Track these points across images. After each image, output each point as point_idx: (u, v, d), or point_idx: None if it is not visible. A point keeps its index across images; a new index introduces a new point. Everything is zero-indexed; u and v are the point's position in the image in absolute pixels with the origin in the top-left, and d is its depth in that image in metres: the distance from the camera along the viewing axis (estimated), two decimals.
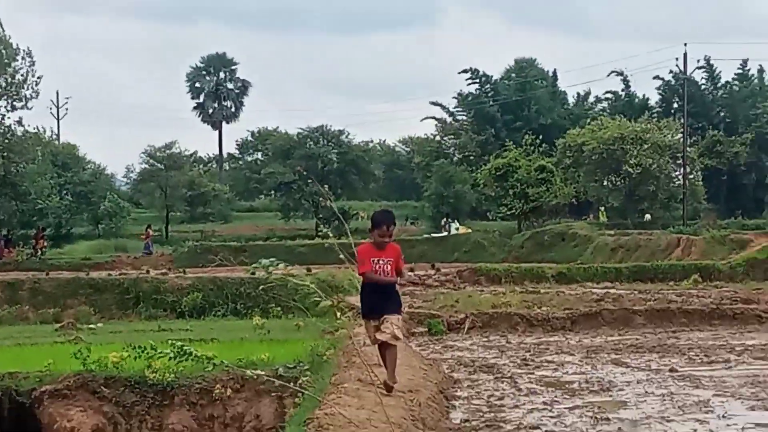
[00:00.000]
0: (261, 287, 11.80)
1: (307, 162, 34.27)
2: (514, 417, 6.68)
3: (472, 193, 35.34)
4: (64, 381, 7.99)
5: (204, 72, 52.41)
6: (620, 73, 43.42)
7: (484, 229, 32.52)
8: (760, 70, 41.58)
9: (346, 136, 39.16)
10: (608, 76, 44.26)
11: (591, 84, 52.82)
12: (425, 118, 44.94)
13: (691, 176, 33.04)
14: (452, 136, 42.57)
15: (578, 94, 47.25)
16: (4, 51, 25.96)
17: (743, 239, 22.67)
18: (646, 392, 7.59)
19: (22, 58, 27.25)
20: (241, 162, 45.67)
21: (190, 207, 36.89)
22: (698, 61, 39.91)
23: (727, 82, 42.48)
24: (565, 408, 7.03)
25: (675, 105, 38.64)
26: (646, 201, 32.93)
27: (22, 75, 27.27)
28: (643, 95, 44.46)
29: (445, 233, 31.35)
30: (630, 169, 31.23)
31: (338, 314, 6.07)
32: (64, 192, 34.34)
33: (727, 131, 37.92)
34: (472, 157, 39.26)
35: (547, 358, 9.92)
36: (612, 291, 16.68)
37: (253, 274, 10.55)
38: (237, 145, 47.27)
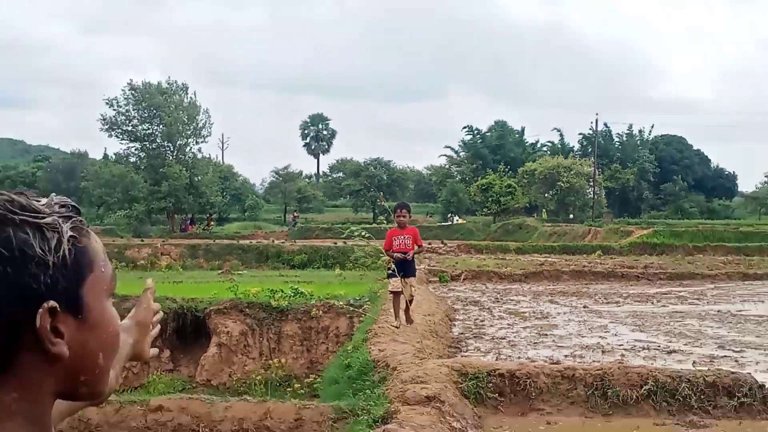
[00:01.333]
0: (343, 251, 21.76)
1: (369, 179, 53.07)
2: (490, 332, 10.30)
3: (467, 200, 52.80)
4: (223, 304, 11.22)
5: (310, 123, 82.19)
6: (558, 129, 66.89)
7: (473, 221, 48.02)
8: (641, 131, 64.96)
9: (392, 164, 59.70)
10: (552, 131, 73.22)
11: (540, 135, 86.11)
12: (441, 155, 67.45)
13: (598, 192, 51.60)
14: (456, 165, 64.28)
15: (533, 142, 70.51)
16: (194, 109, 42.94)
17: (628, 230, 33.23)
18: (569, 320, 11.59)
19: (203, 113, 43.61)
20: (329, 177, 69.04)
21: (299, 203, 56.90)
22: (605, 123, 62.43)
23: (619, 134, 64.93)
24: (520, 327, 10.79)
25: (590, 149, 59.24)
26: (570, 206, 50.20)
27: (202, 123, 43.46)
28: (569, 143, 65.81)
29: (450, 223, 46.74)
30: (562, 185, 48.32)
31: (386, 269, 8.79)
32: (224, 193, 51.83)
33: (621, 165, 57.68)
34: (467, 178, 58.24)
35: (511, 297, 14.83)
36: (549, 259, 23.66)
37: (345, 236, 16.51)
38: (328, 167, 72.12)
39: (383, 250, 8.82)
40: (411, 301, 8.88)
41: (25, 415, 0.82)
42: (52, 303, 0.79)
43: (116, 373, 1.07)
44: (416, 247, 8.72)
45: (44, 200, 0.85)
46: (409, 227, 8.94)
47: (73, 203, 0.87)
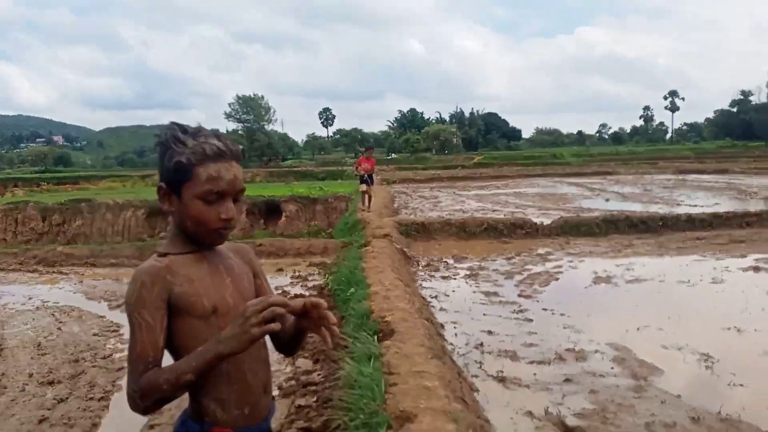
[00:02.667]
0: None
1: (353, 138, 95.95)
2: (411, 205, 19.00)
3: (397, 145, 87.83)
4: (287, 197, 18.24)
5: (323, 111, 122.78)
6: (438, 112, 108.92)
7: (400, 156, 74.55)
8: (477, 110, 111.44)
9: (363, 130, 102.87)
10: (435, 113, 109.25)
11: (431, 115, 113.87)
12: (386, 124, 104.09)
13: (457, 141, 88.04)
14: (392, 130, 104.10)
15: (427, 118, 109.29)
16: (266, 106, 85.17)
17: (471, 157, 66.49)
18: (447, 198, 20.39)
19: (271, 109, 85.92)
20: (335, 138, 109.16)
21: (320, 152, 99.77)
22: (460, 108, 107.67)
23: (466, 112, 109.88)
24: (424, 203, 19.57)
25: (453, 121, 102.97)
26: (445, 147, 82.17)
27: (272, 112, 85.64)
28: (444, 118, 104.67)
29: (390, 156, 74.13)
30: (441, 138, 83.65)
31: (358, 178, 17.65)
32: (284, 146, 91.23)
33: (469, 126, 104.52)
34: (397, 135, 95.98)
35: (420, 192, 22.97)
36: (437, 172, 39.12)
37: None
38: (332, 132, 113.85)
39: (355, 167, 16.57)
40: (371, 198, 15.92)
41: (180, 235, 1.66)
42: (162, 184, 1.62)
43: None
44: (374, 169, 16.31)
45: (192, 133, 1.62)
46: (371, 159, 16.42)
47: (216, 145, 1.61)
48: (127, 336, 6.58)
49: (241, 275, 1.73)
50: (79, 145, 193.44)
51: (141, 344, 1.52)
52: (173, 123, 1.65)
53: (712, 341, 5.87)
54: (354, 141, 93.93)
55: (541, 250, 11.64)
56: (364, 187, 15.79)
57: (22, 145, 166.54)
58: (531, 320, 6.87)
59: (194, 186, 1.58)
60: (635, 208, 16.89)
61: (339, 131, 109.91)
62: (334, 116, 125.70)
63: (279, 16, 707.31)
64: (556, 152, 60.07)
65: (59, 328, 7.74)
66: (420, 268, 10.46)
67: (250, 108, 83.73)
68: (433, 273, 9.93)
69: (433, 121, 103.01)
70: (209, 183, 1.58)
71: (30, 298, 9.71)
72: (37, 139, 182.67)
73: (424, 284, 9.05)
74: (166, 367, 1.53)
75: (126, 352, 1.59)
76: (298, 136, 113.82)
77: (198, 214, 1.60)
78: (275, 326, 1.46)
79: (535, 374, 5.17)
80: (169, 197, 1.63)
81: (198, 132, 1.63)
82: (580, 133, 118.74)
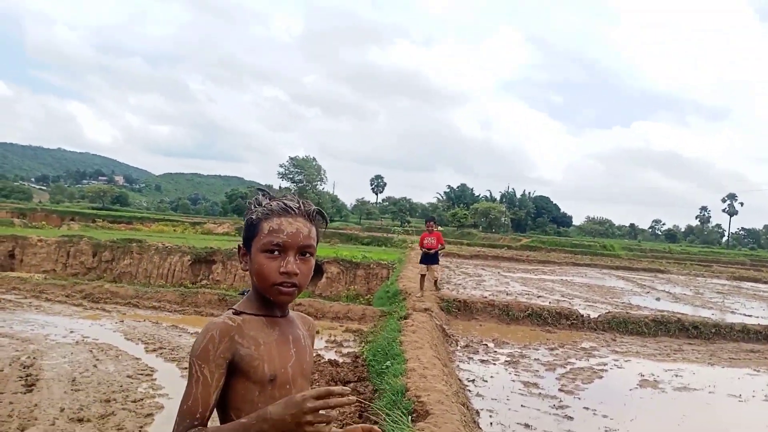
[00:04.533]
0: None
1: (401, 206, 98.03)
2: (453, 281, 18.47)
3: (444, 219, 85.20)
4: (329, 259, 19.65)
5: (374, 178, 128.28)
6: (489, 190, 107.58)
7: (447, 230, 69.04)
8: (528, 192, 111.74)
9: (411, 200, 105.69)
10: (486, 191, 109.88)
11: (480, 192, 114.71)
12: (434, 197, 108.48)
13: (506, 220, 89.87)
14: (441, 203, 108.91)
15: (477, 194, 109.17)
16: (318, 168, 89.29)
17: (519, 238, 61.92)
18: (491, 277, 20.05)
19: (322, 170, 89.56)
20: (383, 204, 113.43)
21: (366, 216, 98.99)
22: (512, 188, 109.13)
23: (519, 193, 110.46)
24: (467, 280, 19.02)
25: (503, 200, 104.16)
26: (493, 226, 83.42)
27: (322, 173, 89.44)
28: (494, 196, 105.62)
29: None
30: (490, 216, 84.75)
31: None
32: (333, 207, 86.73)
33: (519, 207, 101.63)
34: (446, 209, 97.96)
35: (463, 268, 22.71)
36: (482, 249, 38.27)
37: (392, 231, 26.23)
38: (381, 199, 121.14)
39: (419, 246, 12.45)
40: (436, 282, 13.04)
41: (256, 298, 1.67)
42: (240, 244, 1.69)
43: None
44: (439, 246, 12.23)
45: (271, 196, 1.68)
46: (435, 232, 12.33)
47: (284, 202, 1.63)
48: (159, 382, 6.59)
49: (305, 348, 1.72)
50: (138, 186, 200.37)
51: (193, 398, 1.52)
52: (259, 189, 1.72)
53: None
54: (402, 210, 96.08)
55: (585, 344, 11.26)
56: (423, 268, 12.60)
57: (84, 181, 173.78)
58: (572, 418, 6.56)
59: (258, 240, 1.62)
60: (686, 310, 16.29)
61: (388, 198, 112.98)
62: (385, 184, 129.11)
63: (339, 83, 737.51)
64: (607, 243, 58.73)
65: (95, 366, 7.79)
66: (458, 347, 10.22)
67: (302, 169, 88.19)
68: (471, 355, 9.68)
69: (483, 198, 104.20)
70: (270, 235, 1.60)
71: (71, 332, 9.85)
72: (100, 177, 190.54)
73: (462, 366, 8.81)
74: (210, 429, 1.50)
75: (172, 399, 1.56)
76: (348, 200, 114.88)
77: (260, 267, 1.61)
78: (327, 429, 1.44)
79: None
80: (245, 256, 1.68)
81: (280, 196, 1.68)
82: (632, 226, 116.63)
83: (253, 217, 1.64)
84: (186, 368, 7.99)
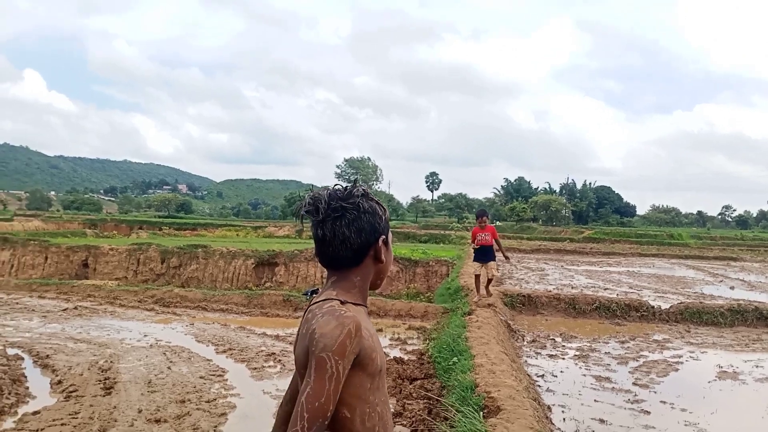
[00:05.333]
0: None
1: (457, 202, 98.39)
2: (516, 275, 18.12)
3: (503, 213, 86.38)
4: None
5: (429, 175, 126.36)
6: (548, 182, 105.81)
7: (505, 224, 72.43)
8: (588, 182, 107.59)
9: (467, 195, 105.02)
10: (545, 183, 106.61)
11: (538, 184, 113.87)
12: (491, 191, 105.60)
13: (567, 213, 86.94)
14: (497, 197, 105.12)
15: (535, 187, 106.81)
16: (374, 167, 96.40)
17: (581, 230, 56.03)
18: (554, 271, 19.48)
19: (378, 170, 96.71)
20: (438, 201, 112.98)
21: (422, 214, 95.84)
22: (572, 179, 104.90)
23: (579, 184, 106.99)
24: (531, 274, 18.39)
25: (564, 191, 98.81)
26: (553, 219, 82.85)
27: (378, 173, 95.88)
28: (554, 188, 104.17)
29: (494, 224, 72.10)
30: (551, 208, 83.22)
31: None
32: (389, 206, 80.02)
33: (579, 199, 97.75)
34: (503, 203, 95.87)
35: (525, 262, 22.31)
36: (543, 243, 37.01)
37: (449, 228, 27.08)
38: (437, 196, 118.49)
39: (470, 243, 11.32)
40: (490, 281, 11.04)
41: (360, 288, 1.61)
42: (383, 237, 1.62)
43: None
44: (494, 242, 10.49)
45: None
46: (489, 226, 10.66)
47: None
48: (231, 382, 6.69)
49: None
50: (200, 194, 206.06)
51: (327, 395, 1.44)
52: (355, 185, 1.68)
53: None
54: (458, 206, 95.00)
55: (657, 336, 10.88)
56: (476, 268, 10.99)
57: (150, 190, 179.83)
58: (648, 412, 6.34)
59: (387, 236, 1.70)
60: (763, 299, 15.54)
61: (444, 195, 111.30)
62: (440, 181, 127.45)
63: (389, 82, 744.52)
64: (674, 232, 56.55)
65: (169, 368, 8.02)
66: (525, 343, 10.04)
67: (358, 169, 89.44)
68: (539, 350, 9.50)
69: (541, 191, 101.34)
70: (389, 232, 1.72)
71: (145, 336, 10.18)
72: (164, 186, 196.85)
73: (530, 361, 8.65)
74: None
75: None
76: (403, 199, 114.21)
77: (391, 259, 1.72)
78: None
79: None
80: (386, 249, 1.68)
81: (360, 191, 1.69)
82: (700, 213, 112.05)
83: (384, 216, 1.68)
84: (256, 368, 8.13)
